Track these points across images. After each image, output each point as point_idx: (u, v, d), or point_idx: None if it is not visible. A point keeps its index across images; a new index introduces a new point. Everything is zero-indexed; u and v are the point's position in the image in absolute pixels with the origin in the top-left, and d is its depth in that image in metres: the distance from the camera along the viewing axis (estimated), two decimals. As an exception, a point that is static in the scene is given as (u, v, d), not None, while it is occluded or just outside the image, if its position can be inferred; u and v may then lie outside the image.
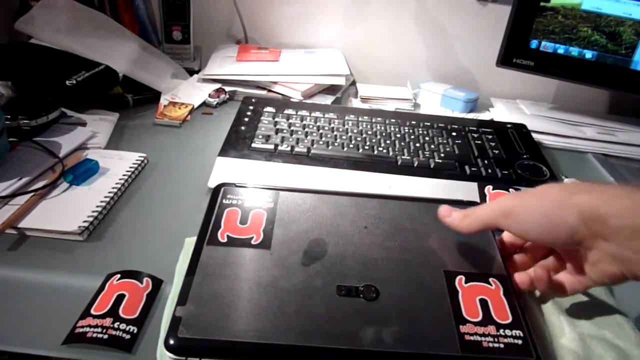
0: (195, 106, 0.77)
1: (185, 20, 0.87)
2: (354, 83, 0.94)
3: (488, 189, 0.59)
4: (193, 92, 0.81)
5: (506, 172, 0.63)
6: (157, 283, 0.43)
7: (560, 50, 0.79)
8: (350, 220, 0.47)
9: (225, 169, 0.59)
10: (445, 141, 0.69)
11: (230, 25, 0.98)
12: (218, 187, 0.51)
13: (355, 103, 0.86)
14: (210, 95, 0.80)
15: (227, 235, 0.45)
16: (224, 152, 0.61)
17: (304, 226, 0.46)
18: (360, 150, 0.65)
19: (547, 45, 0.79)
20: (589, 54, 0.78)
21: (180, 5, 0.86)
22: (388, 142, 0.67)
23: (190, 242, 0.47)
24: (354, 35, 0.98)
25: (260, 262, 0.42)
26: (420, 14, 0.95)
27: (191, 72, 0.87)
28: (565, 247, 0.41)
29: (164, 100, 0.77)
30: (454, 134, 0.71)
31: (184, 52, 0.89)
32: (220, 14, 0.96)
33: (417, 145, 0.67)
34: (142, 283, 0.43)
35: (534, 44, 0.79)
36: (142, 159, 0.60)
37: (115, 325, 0.38)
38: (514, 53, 0.80)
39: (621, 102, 1.00)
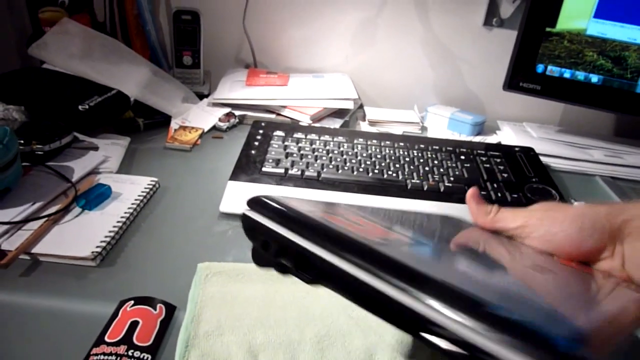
0: (206, 130, 0.78)
1: (195, 46, 0.89)
2: (361, 106, 0.95)
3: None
4: (203, 116, 0.81)
5: (515, 195, 0.63)
6: (171, 309, 0.43)
7: (567, 74, 0.79)
8: None
9: (237, 193, 0.59)
10: (454, 165, 0.69)
11: (240, 50, 1.00)
12: None
13: (363, 126, 0.86)
14: (220, 119, 0.80)
15: None
16: (234, 176, 0.62)
17: None
18: (370, 174, 0.65)
19: (553, 70, 0.80)
20: (594, 78, 0.78)
21: (190, 31, 0.88)
22: (397, 165, 0.67)
23: (202, 268, 0.47)
24: (361, 60, 0.99)
25: None
26: (427, 38, 0.96)
27: (201, 97, 0.88)
28: (587, 254, 0.40)
29: (174, 125, 0.78)
30: (462, 157, 0.72)
31: (194, 77, 0.90)
32: (229, 38, 0.98)
33: (427, 168, 0.68)
34: (155, 309, 0.43)
35: (540, 68, 0.80)
36: (153, 183, 0.61)
37: (130, 353, 0.38)
38: (521, 77, 0.81)
39: (628, 125, 1.00)
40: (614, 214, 0.37)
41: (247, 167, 0.64)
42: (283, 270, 0.31)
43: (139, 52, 0.87)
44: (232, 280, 0.46)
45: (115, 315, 0.42)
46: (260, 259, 0.33)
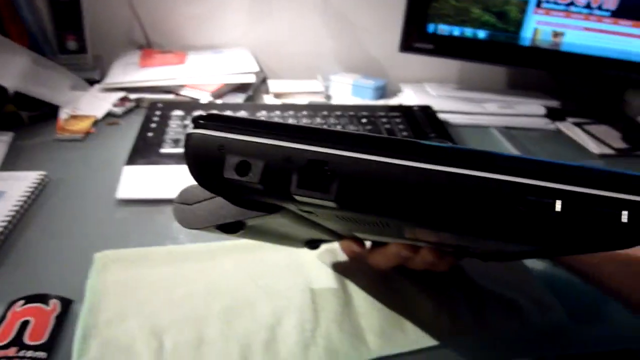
0: (100, 117, 0.74)
1: (79, 29, 0.83)
2: (265, 80, 0.94)
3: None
4: (96, 103, 0.77)
5: (415, 152, 0.66)
6: (66, 304, 0.41)
7: (456, 32, 0.83)
8: None
9: (135, 177, 0.57)
10: (356, 128, 0.70)
11: (131, 31, 0.95)
12: None
13: (268, 100, 0.86)
14: (114, 105, 0.76)
15: None
16: (131, 160, 0.59)
17: None
18: (274, 145, 0.65)
19: (443, 29, 0.83)
20: (481, 34, 0.82)
21: (72, 14, 0.82)
22: (301, 134, 0.68)
23: (100, 257, 0.45)
24: (261, 32, 0.97)
25: None
26: (323, 7, 0.96)
27: (92, 82, 0.83)
28: None
29: (64, 114, 0.73)
30: (364, 120, 0.73)
31: (82, 62, 0.85)
32: (117, 19, 0.93)
33: (330, 134, 0.68)
34: (48, 306, 0.40)
35: (431, 28, 0.83)
36: (41, 177, 0.57)
37: (21, 354, 0.36)
38: (414, 38, 0.83)
39: (519, 77, 1.06)
40: None
41: (144, 150, 0.62)
42: (268, 208, 0.24)
43: (17, 41, 0.80)
44: (134, 265, 0.45)
45: (2, 318, 0.39)
46: (224, 213, 0.25)
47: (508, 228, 0.20)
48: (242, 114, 0.71)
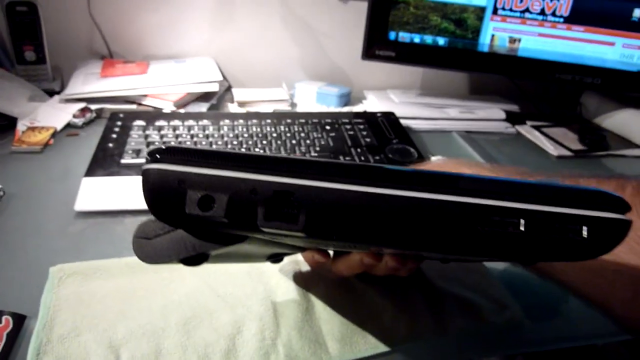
0: (59, 129, 0.72)
1: (37, 39, 0.81)
2: (229, 89, 0.93)
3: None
4: (55, 114, 0.75)
5: (378, 157, 0.66)
6: (20, 320, 0.40)
7: (416, 39, 0.84)
8: None
9: (94, 189, 0.56)
10: (320, 135, 0.71)
11: (92, 41, 0.93)
12: None
13: (233, 108, 0.85)
14: (74, 116, 0.75)
15: None
16: (90, 172, 0.58)
17: None
18: (237, 154, 0.64)
19: (404, 36, 0.84)
20: (441, 41, 0.84)
21: (29, 24, 0.80)
22: (264, 142, 0.68)
23: (55, 271, 0.44)
24: (224, 41, 0.97)
25: None
26: (286, 15, 0.97)
27: (51, 93, 0.81)
28: None
29: (21, 126, 0.71)
30: (328, 127, 0.73)
31: (41, 73, 0.83)
32: (77, 29, 0.91)
33: (294, 142, 0.68)
34: (0, 322, 0.39)
35: (392, 35, 0.84)
36: (-4, 190, 0.55)
37: (-30, 373, 0.35)
38: (376, 46, 0.84)
39: (480, 83, 1.09)
40: None
41: (104, 161, 0.61)
42: (225, 240, 0.23)
43: (-29, 51, 0.78)
44: (90, 278, 0.44)
45: (-50, 337, 0.37)
46: (186, 246, 0.24)
47: (474, 247, 0.21)
48: (204, 123, 0.71)
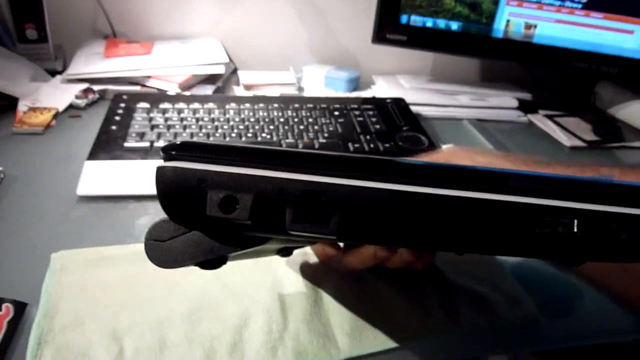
0: (61, 110, 0.71)
1: (38, 17, 0.79)
2: (235, 71, 0.91)
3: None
4: (57, 94, 0.74)
5: (387, 145, 0.65)
6: (21, 307, 0.39)
7: (429, 23, 0.82)
8: None
9: (96, 173, 0.54)
10: (328, 121, 0.69)
11: (95, 20, 0.91)
12: None
13: (238, 91, 0.83)
14: (77, 97, 0.73)
15: None
16: (93, 155, 0.57)
17: None
18: (243, 139, 0.63)
19: (416, 20, 0.82)
20: (454, 25, 0.81)
21: (30, 0, 0.78)
22: (272, 127, 0.66)
23: (57, 257, 0.43)
24: (231, 23, 0.95)
25: None
26: (294, -3, 0.94)
27: (53, 73, 0.80)
28: None
29: (22, 107, 0.70)
30: (336, 113, 0.72)
31: (43, 52, 0.81)
32: (80, 7, 0.89)
33: (301, 127, 0.67)
34: (0, 310, 0.38)
35: (404, 19, 0.82)
36: (-4, 173, 0.54)
37: (-32, 362, 0.34)
38: (387, 30, 0.82)
39: (492, 70, 1.06)
40: (433, 160, 0.39)
41: (107, 144, 0.59)
42: (247, 242, 0.22)
43: (-28, 29, 0.76)
44: (93, 265, 0.43)
45: (-52, 325, 0.36)
46: (204, 249, 0.22)
47: (525, 248, 0.19)
48: (210, 106, 0.69)
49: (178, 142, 0.20)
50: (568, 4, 0.79)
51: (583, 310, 0.44)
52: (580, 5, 0.79)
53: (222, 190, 0.19)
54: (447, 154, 0.41)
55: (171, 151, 0.19)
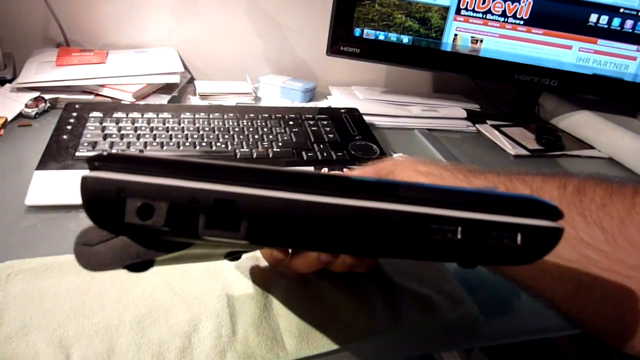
0: (10, 119, 0.69)
1: (-13, 24, 0.78)
2: (192, 81, 0.92)
3: (324, 170, 0.62)
4: (6, 103, 0.72)
5: (340, 153, 0.66)
6: (-37, 319, 0.38)
7: (381, 36, 0.85)
8: None
9: (46, 183, 0.54)
10: (283, 131, 0.70)
11: (47, 28, 0.90)
12: None
13: (195, 101, 0.84)
14: (27, 105, 0.72)
15: None
16: (42, 165, 0.56)
17: None
18: (197, 148, 0.63)
19: (369, 33, 0.84)
20: (405, 39, 0.85)
21: (-22, 8, 0.77)
22: (227, 136, 0.67)
23: (3, 268, 0.42)
24: (187, 32, 0.95)
25: None
26: (251, 7, 0.96)
27: (3, 82, 0.78)
28: None
29: (-31, 115, 0.68)
30: (291, 123, 0.73)
31: (-9, 60, 0.80)
32: (32, 15, 0.88)
33: (256, 137, 0.68)
34: (-58, 322, 0.37)
35: (357, 32, 0.84)
36: (-60, 183, 0.53)
37: None
38: (341, 42, 0.84)
39: (443, 81, 1.11)
40: (378, 169, 0.42)
41: (57, 154, 0.58)
42: (170, 247, 0.23)
43: None
44: (41, 275, 0.42)
45: None
46: (130, 253, 0.23)
47: (414, 253, 0.22)
48: (165, 115, 0.69)
49: (102, 154, 0.21)
50: (511, 20, 0.83)
51: (520, 309, 0.47)
52: (522, 22, 0.83)
53: (140, 198, 0.20)
54: (392, 162, 0.43)
55: (94, 162, 0.21)
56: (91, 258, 0.24)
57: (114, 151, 0.19)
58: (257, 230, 0.20)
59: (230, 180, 0.20)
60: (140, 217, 0.20)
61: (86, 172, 0.20)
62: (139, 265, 0.24)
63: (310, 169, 0.62)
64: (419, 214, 0.21)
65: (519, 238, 0.21)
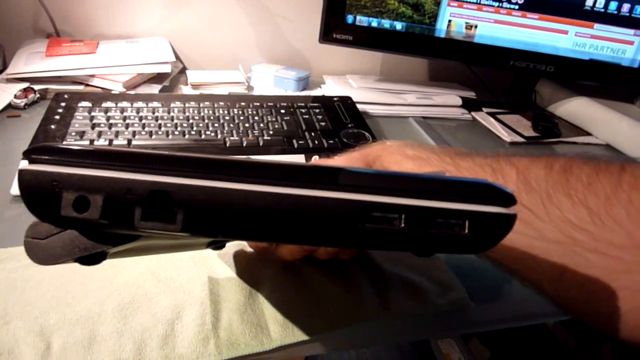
0: (-1, 109, 0.69)
1: (-25, 15, 0.77)
2: (183, 71, 0.91)
3: (314, 158, 0.61)
4: (-5, 94, 0.72)
5: (332, 141, 0.66)
6: (-56, 308, 0.38)
7: (374, 23, 0.84)
8: None
9: (32, 173, 0.53)
10: (274, 119, 0.70)
11: (37, 19, 0.89)
12: None
13: (186, 91, 0.83)
14: (16, 96, 0.71)
15: None
16: (29, 154, 0.55)
17: None
18: (187, 137, 0.63)
19: (361, 20, 0.83)
20: (399, 25, 0.84)
21: (-34, -2, 0.76)
22: (216, 125, 0.66)
23: (-11, 257, 0.42)
24: (179, 22, 0.94)
25: None
26: (243, -4, 0.95)
27: (-8, 73, 0.77)
28: None
29: (-43, 106, 0.67)
30: (282, 111, 0.72)
31: (-20, 51, 0.79)
32: (22, 5, 0.87)
33: (247, 125, 0.67)
34: None
35: (350, 19, 0.83)
36: None
37: None
38: (333, 29, 0.83)
39: (439, 69, 1.09)
40: (365, 154, 0.41)
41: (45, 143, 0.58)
42: (116, 240, 0.23)
43: None
44: (23, 264, 0.42)
45: None
46: (79, 245, 0.23)
47: (358, 242, 0.21)
48: (154, 104, 0.69)
49: (37, 146, 0.20)
50: (506, 5, 0.82)
51: (510, 295, 0.46)
52: (517, 7, 0.82)
53: (75, 191, 0.19)
54: (380, 147, 0.43)
55: (30, 154, 0.20)
56: (41, 252, 0.24)
57: (56, 143, 0.19)
58: (194, 222, 0.20)
59: (166, 171, 0.20)
60: (77, 210, 0.19)
61: (24, 165, 0.20)
62: (90, 258, 0.23)
63: (301, 156, 0.62)
64: (359, 201, 0.20)
65: (466, 226, 0.20)
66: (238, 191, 0.19)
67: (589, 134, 0.88)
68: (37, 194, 0.19)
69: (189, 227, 0.20)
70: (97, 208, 0.19)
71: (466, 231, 0.20)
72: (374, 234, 0.20)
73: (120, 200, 0.19)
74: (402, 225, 0.20)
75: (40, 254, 0.24)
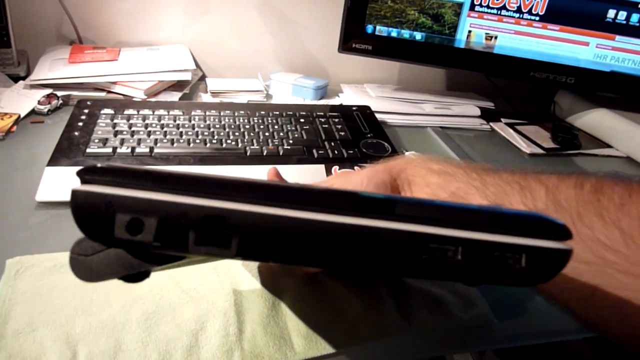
0: (23, 115, 0.70)
1: (1, 22, 0.78)
2: (203, 78, 0.92)
3: (335, 169, 0.61)
4: (19, 100, 0.73)
5: (351, 151, 0.66)
6: (-28, 314, 0.38)
7: (394, 33, 0.84)
8: None
9: (56, 180, 0.54)
10: (294, 128, 0.70)
11: (60, 26, 0.90)
12: None
13: (206, 98, 0.84)
14: (39, 102, 0.72)
15: None
16: (54, 161, 0.56)
17: None
18: (208, 145, 0.63)
19: (381, 30, 0.83)
20: (418, 36, 0.84)
21: (-7, 5, 0.77)
22: (237, 134, 0.66)
23: (12, 264, 0.42)
24: (199, 30, 0.95)
25: None
26: (262, 5, 0.95)
27: (16, 79, 0.79)
28: None
29: (-17, 112, 0.68)
30: (302, 120, 0.72)
31: (5, 57, 0.80)
32: (45, 12, 0.88)
33: (267, 134, 0.67)
34: (-49, 317, 0.37)
35: (369, 28, 0.83)
36: (-48, 178, 0.53)
37: None
38: (353, 39, 0.83)
39: (457, 79, 1.09)
40: (389, 167, 0.41)
41: (68, 150, 0.59)
42: (163, 259, 0.23)
43: None
44: (49, 272, 0.42)
45: None
46: (125, 264, 0.23)
47: (413, 272, 0.21)
48: (175, 112, 0.69)
49: (93, 166, 0.20)
50: (526, 16, 0.82)
51: (534, 311, 0.46)
52: (537, 18, 0.82)
53: (129, 213, 0.19)
54: (404, 160, 0.42)
55: (84, 175, 0.20)
56: (86, 269, 0.24)
57: (111, 164, 0.18)
58: (249, 247, 0.20)
59: (222, 196, 0.19)
60: (130, 232, 0.19)
61: (77, 185, 0.20)
62: (135, 276, 0.24)
63: (321, 166, 0.62)
64: (417, 233, 0.20)
65: (523, 259, 0.20)
66: (295, 220, 0.19)
67: (609, 146, 0.87)
68: (90, 214, 0.20)
69: (244, 252, 0.20)
70: (151, 231, 0.19)
71: (523, 265, 0.20)
72: (429, 264, 0.20)
73: (174, 224, 0.19)
74: (459, 257, 0.20)
75: (85, 271, 0.24)
